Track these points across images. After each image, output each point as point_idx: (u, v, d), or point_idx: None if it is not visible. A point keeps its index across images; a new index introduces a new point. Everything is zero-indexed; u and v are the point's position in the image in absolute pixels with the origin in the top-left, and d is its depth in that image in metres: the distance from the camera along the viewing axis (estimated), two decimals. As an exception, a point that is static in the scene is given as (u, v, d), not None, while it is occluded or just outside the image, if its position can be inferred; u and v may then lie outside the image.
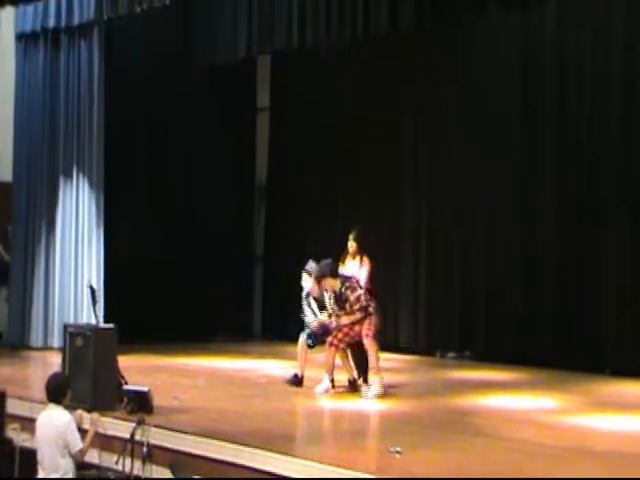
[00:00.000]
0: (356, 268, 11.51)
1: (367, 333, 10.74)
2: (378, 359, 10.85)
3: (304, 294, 11.52)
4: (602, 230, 13.18)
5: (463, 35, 14.35)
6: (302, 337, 11.52)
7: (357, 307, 10.77)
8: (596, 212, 13.26)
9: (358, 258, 11.58)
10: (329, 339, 10.96)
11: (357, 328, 10.82)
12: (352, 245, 11.60)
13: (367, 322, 10.77)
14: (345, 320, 10.83)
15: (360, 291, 10.87)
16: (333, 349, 10.99)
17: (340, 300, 10.83)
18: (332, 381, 11.16)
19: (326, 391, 11.04)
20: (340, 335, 10.90)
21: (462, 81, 14.69)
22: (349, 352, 11.18)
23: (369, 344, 10.73)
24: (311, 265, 11.49)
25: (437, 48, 14.66)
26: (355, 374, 11.25)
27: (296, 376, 11.52)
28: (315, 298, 11.46)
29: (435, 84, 15.00)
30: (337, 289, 10.85)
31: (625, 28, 13.01)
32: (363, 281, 11.34)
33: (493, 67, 14.40)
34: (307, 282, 11.47)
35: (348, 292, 10.80)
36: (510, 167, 14.12)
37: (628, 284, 12.91)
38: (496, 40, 14.29)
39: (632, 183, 12.89)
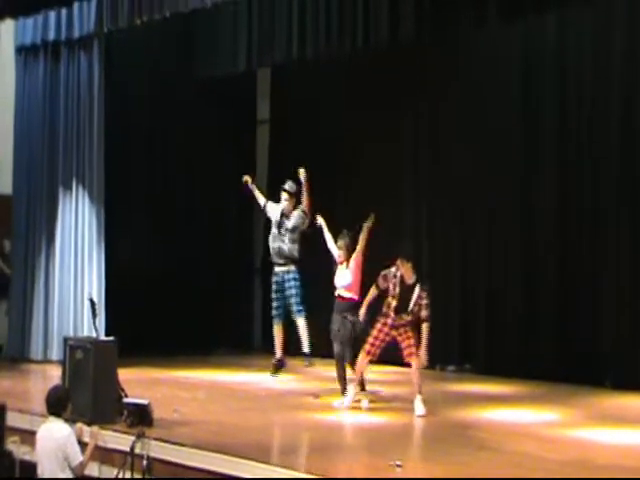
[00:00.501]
0: (349, 274, 11.16)
1: (414, 352, 10.41)
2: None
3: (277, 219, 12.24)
4: (602, 230, 13.17)
5: (463, 39, 14.26)
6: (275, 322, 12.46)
7: (425, 314, 10.44)
8: (596, 212, 13.25)
9: (345, 264, 11.20)
10: (366, 347, 10.58)
11: (393, 334, 10.51)
12: (340, 255, 11.30)
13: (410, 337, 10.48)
14: (412, 340, 10.41)
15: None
16: (369, 358, 10.68)
17: (403, 294, 10.39)
18: (344, 391, 10.97)
19: (349, 403, 10.77)
20: (377, 342, 10.57)
21: (462, 81, 14.67)
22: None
23: (417, 365, 10.48)
24: (290, 184, 11.59)
25: (437, 51, 14.57)
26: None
27: (278, 360, 11.65)
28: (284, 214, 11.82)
29: (435, 86, 14.95)
30: (411, 281, 10.47)
31: (625, 29, 13.01)
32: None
33: (493, 68, 14.41)
34: (285, 201, 11.59)
35: (424, 294, 10.45)
36: (510, 167, 14.11)
37: (628, 284, 12.89)
38: (497, 43, 14.25)
39: (632, 183, 12.88)
